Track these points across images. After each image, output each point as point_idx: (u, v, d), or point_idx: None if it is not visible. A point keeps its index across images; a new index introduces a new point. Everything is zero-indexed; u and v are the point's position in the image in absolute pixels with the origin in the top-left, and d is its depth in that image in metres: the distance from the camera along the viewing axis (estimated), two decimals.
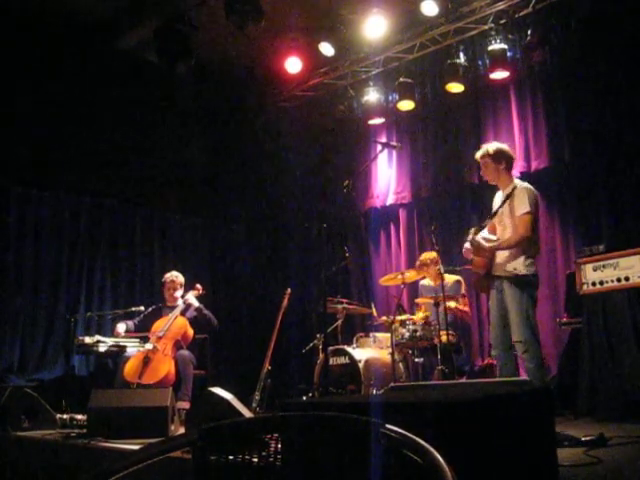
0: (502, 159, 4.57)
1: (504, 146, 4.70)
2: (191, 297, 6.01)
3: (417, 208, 7.81)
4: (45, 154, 6.91)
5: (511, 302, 4.33)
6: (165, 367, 5.35)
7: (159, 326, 5.72)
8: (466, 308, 6.23)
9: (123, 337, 5.79)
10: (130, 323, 5.90)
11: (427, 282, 6.40)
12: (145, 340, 5.77)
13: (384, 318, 6.11)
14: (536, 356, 4.25)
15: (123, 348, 5.80)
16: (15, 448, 4.41)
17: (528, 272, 4.34)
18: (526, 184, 4.55)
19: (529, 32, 6.49)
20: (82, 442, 3.97)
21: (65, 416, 4.95)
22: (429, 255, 6.30)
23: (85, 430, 4.37)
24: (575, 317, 5.27)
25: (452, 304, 5.84)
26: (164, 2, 6.65)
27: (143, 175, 7.87)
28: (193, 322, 5.92)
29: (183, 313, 5.93)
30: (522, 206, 4.38)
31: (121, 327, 5.74)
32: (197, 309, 5.98)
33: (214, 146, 8.63)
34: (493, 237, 4.57)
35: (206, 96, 8.28)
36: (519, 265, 4.35)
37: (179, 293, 6.10)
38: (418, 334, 5.67)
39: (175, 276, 6.12)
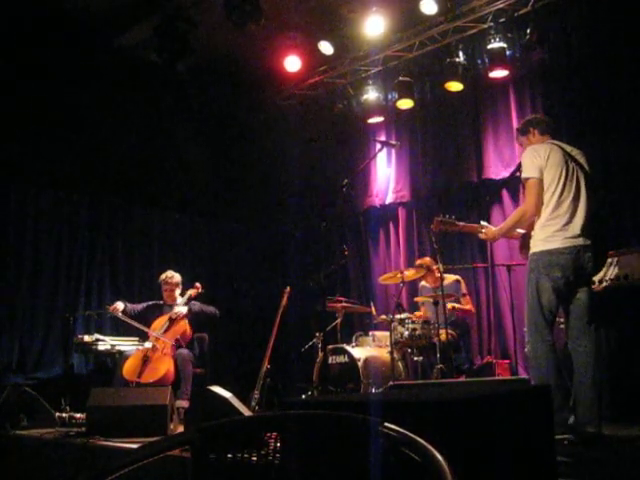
0: (529, 127, 3.97)
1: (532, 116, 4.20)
2: (180, 308, 5.83)
3: (416, 207, 7.81)
4: (45, 151, 6.90)
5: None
6: (164, 366, 5.34)
7: (158, 325, 5.71)
8: (467, 307, 6.23)
9: (120, 316, 5.65)
10: (130, 306, 5.84)
11: (426, 283, 6.42)
12: (144, 339, 5.76)
13: (383, 317, 6.11)
14: (531, 354, 3.61)
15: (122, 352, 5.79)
16: (14, 447, 4.41)
17: (536, 249, 3.63)
18: (533, 145, 3.85)
19: (528, 31, 6.49)
20: (81, 441, 3.97)
21: (64, 415, 4.95)
22: (422, 261, 6.33)
23: (84, 429, 4.37)
24: None
25: (450, 305, 5.83)
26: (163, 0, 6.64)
27: (143, 173, 7.85)
28: (194, 319, 5.90)
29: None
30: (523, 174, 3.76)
31: (120, 305, 5.71)
32: (194, 313, 5.85)
33: (213, 145, 8.62)
34: None
35: (205, 95, 8.26)
36: (533, 240, 3.68)
37: (178, 292, 6.07)
38: (417, 333, 5.67)
39: (170, 277, 6.00)
